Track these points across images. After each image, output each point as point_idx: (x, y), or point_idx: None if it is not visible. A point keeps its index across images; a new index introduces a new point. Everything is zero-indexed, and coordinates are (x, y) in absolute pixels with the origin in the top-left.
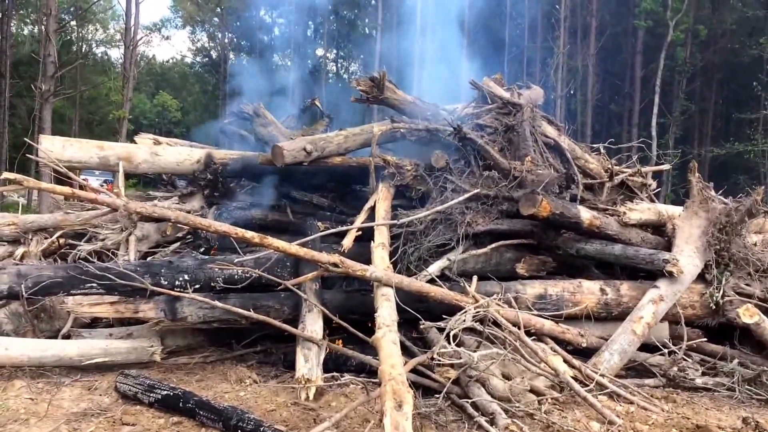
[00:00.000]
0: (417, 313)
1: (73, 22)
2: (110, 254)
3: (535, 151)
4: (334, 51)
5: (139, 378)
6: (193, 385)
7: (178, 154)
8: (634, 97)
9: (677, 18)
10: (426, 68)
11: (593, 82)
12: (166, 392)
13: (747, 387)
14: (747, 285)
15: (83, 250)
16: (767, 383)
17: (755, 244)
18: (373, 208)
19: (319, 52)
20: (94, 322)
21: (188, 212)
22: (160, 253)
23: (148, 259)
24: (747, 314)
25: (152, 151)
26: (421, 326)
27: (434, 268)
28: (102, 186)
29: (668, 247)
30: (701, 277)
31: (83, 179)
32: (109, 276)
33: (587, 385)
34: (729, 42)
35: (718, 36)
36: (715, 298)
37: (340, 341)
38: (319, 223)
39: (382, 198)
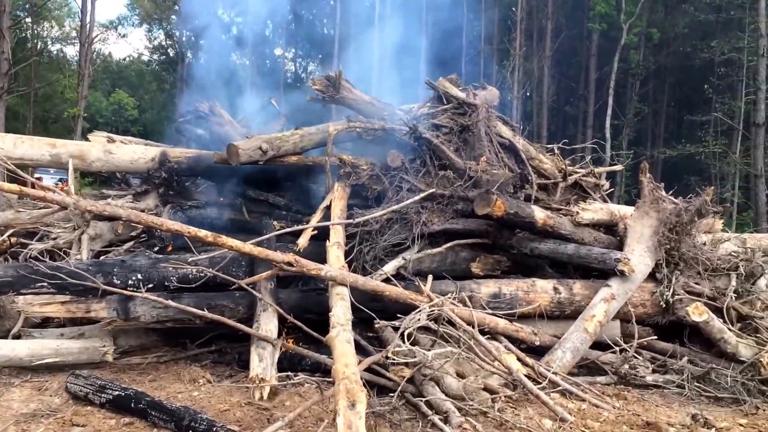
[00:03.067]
0: (372, 312)
1: (28, 19)
2: (62, 253)
3: (490, 151)
4: (293, 50)
5: (91, 378)
6: (145, 385)
7: (133, 153)
8: (588, 99)
9: (631, 21)
10: (383, 68)
11: (549, 84)
12: (117, 393)
13: (696, 384)
14: (696, 284)
15: (34, 249)
16: (716, 380)
17: (704, 244)
18: (328, 208)
19: (278, 51)
20: (45, 322)
21: (142, 211)
22: (113, 252)
23: (101, 258)
24: (696, 312)
25: (106, 149)
26: (376, 325)
27: (389, 267)
28: (56, 184)
29: (620, 247)
30: (652, 276)
31: (37, 177)
32: (61, 275)
33: (540, 383)
34: (681, 45)
35: (670, 39)
36: (665, 296)
37: (292, 341)
38: (275, 222)
39: (337, 197)
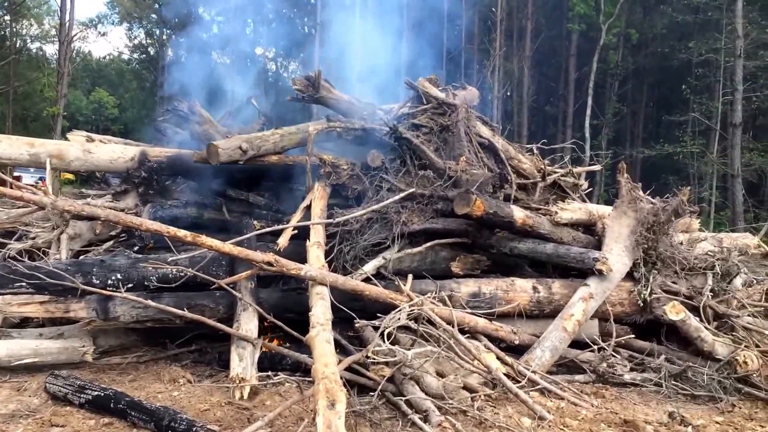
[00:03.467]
0: (352, 312)
1: (7, 17)
2: (41, 253)
3: (470, 151)
4: (273, 50)
5: (70, 379)
6: (125, 385)
7: (112, 152)
8: (568, 98)
9: (610, 22)
10: (364, 68)
11: (529, 84)
12: (96, 393)
13: (673, 382)
14: (673, 283)
15: (13, 248)
16: (693, 379)
17: (681, 243)
18: (309, 207)
19: (258, 50)
20: (24, 322)
21: (122, 210)
22: (92, 251)
23: (81, 257)
24: (673, 311)
25: (85, 149)
26: (357, 325)
27: (370, 266)
28: (37, 183)
29: (598, 246)
30: (630, 275)
31: (16, 176)
32: (39, 275)
33: (519, 382)
34: (659, 46)
35: (649, 40)
36: (642, 295)
37: (276, 340)
38: (255, 222)
39: (318, 197)
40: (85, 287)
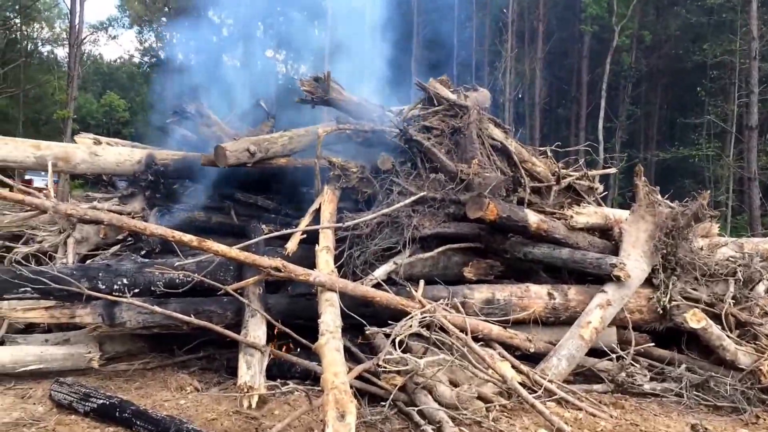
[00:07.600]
0: (363, 319)
1: (18, 20)
2: (48, 257)
3: (482, 153)
4: (284, 52)
5: (75, 386)
6: (131, 392)
7: (118, 155)
8: (581, 101)
9: (622, 23)
10: (375, 70)
11: (541, 86)
12: (102, 401)
13: (695, 393)
14: (694, 289)
15: (20, 252)
16: (715, 389)
17: (701, 249)
18: (318, 211)
19: (269, 53)
20: (30, 328)
21: (128, 214)
22: (100, 255)
23: (87, 262)
24: (694, 319)
25: (91, 152)
26: (367, 332)
27: (380, 272)
28: (47, 186)
29: (615, 251)
30: (648, 282)
31: (27, 179)
32: (44, 280)
33: (535, 392)
34: (673, 48)
35: (662, 42)
36: (662, 302)
37: (285, 347)
38: (264, 226)
39: (327, 200)
40: (91, 292)
